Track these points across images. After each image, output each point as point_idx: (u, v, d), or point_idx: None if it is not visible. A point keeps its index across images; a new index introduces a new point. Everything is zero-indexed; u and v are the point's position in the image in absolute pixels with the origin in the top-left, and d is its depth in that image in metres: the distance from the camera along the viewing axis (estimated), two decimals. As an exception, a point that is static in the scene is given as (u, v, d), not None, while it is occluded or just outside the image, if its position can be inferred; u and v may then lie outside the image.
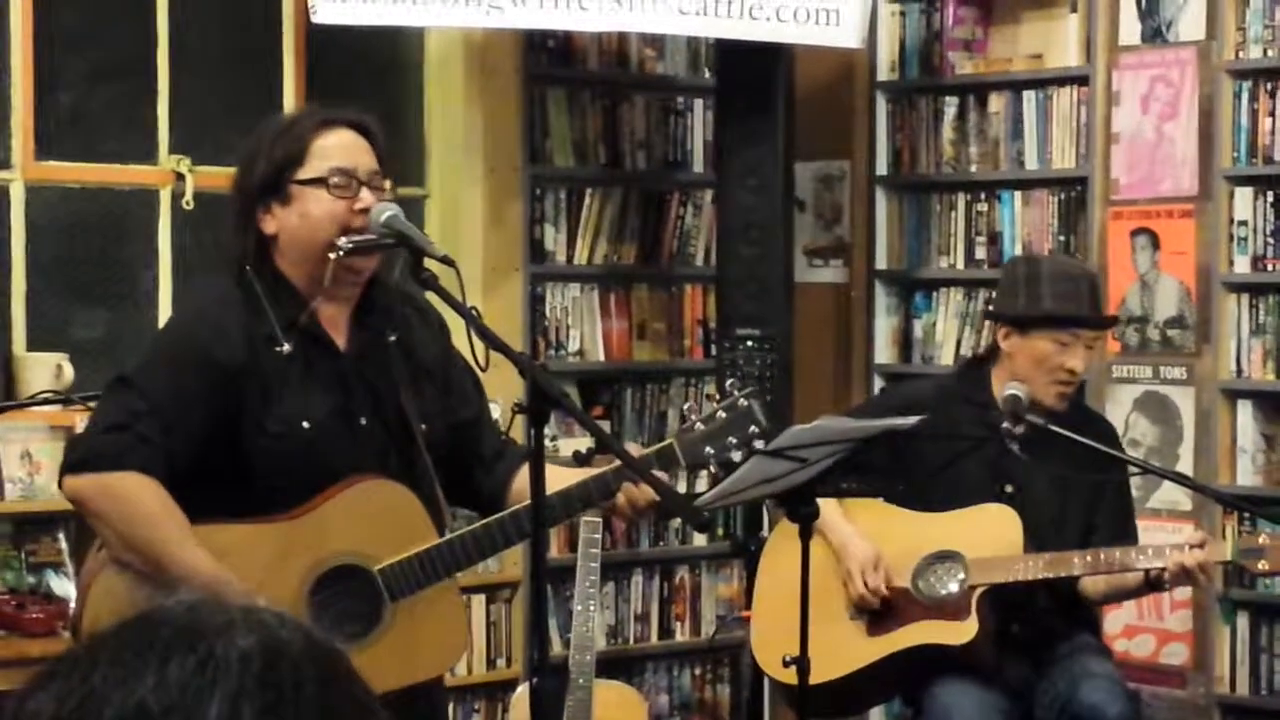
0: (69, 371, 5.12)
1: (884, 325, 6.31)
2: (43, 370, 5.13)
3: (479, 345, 3.02)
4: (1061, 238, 5.85)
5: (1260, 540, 4.25)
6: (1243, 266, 5.47)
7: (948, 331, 6.16)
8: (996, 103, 6.05)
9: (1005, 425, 4.36)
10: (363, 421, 3.20)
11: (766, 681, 4.94)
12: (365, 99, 4.63)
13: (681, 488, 6.08)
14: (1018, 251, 5.90)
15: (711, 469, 3.39)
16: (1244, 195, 5.46)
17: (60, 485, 3.20)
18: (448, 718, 3.77)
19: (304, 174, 3.15)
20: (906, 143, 6.26)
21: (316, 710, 1.08)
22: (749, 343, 5.75)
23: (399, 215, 3.12)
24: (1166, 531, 5.38)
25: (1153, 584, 4.27)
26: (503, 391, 4.51)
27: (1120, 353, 5.67)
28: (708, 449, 3.28)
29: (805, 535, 3.81)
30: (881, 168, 6.32)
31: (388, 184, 3.22)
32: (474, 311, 3.05)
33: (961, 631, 4.30)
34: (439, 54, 6.00)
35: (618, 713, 5.09)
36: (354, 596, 3.17)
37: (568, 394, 4.69)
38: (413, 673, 3.19)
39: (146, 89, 5.50)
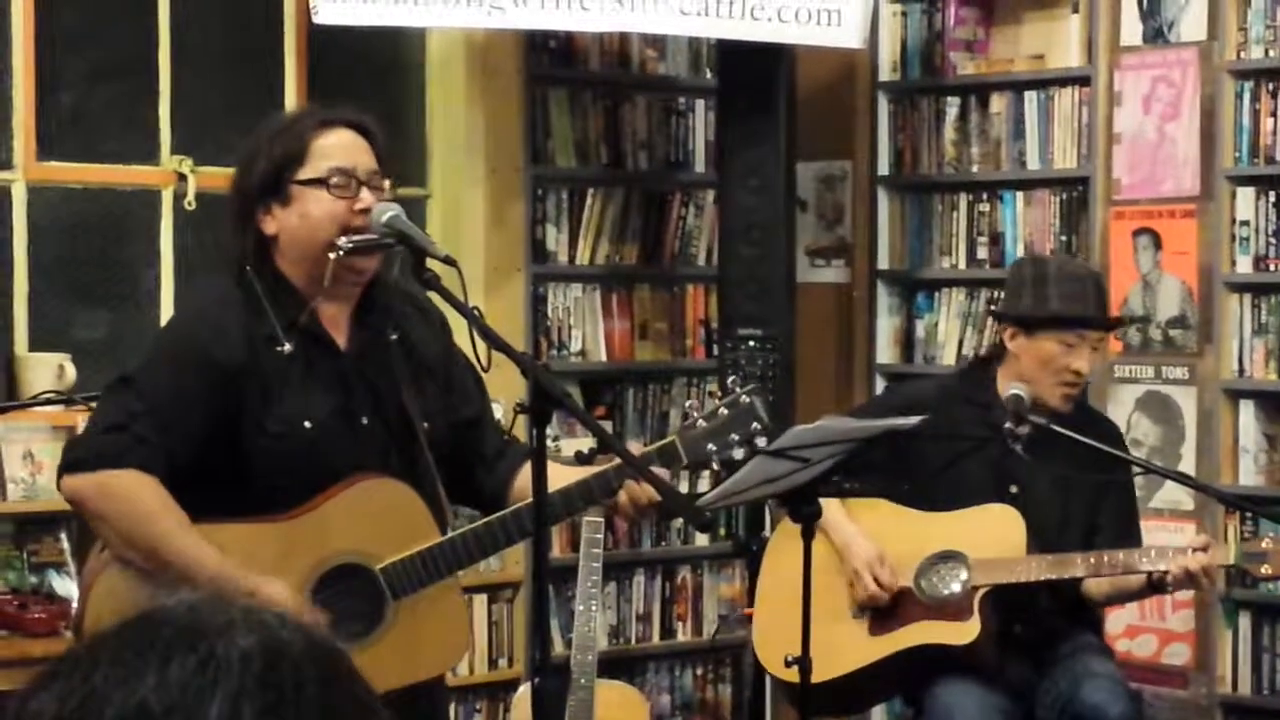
0: (71, 372, 5.12)
1: (886, 325, 6.31)
2: (45, 370, 5.13)
3: (481, 345, 3.02)
4: (1063, 238, 5.85)
5: (1263, 545, 4.25)
6: (1244, 266, 5.47)
7: (950, 332, 6.16)
8: (998, 103, 6.04)
9: (1008, 425, 4.36)
10: (364, 421, 3.20)
11: (768, 680, 4.94)
12: (366, 99, 4.62)
13: (684, 488, 6.08)
14: (1019, 252, 5.90)
15: (714, 466, 3.39)
16: (1246, 195, 5.46)
17: (59, 486, 3.21)
18: (449, 717, 3.77)
19: (304, 174, 3.15)
20: (908, 143, 6.26)
21: (317, 710, 1.08)
22: (751, 343, 5.75)
23: (400, 215, 3.12)
24: (1168, 531, 5.38)
25: (1155, 586, 4.27)
26: (505, 392, 4.50)
27: (1122, 353, 5.67)
28: (710, 446, 3.28)
29: (807, 535, 3.81)
30: (883, 168, 6.32)
31: (387, 184, 3.22)
32: (476, 312, 3.04)
33: (964, 632, 4.30)
34: (440, 54, 6.00)
35: (619, 713, 5.09)
36: (356, 595, 3.18)
37: (570, 394, 4.70)
38: (415, 672, 3.19)
39: (148, 89, 5.51)
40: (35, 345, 5.27)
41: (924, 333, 6.24)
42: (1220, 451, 5.47)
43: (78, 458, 3.15)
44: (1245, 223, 5.45)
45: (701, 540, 6.25)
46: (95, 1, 5.48)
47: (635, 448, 3.37)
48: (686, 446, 3.27)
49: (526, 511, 3.11)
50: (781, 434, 3.58)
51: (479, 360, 3.13)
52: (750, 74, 5.78)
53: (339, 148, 3.17)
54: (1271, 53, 5.41)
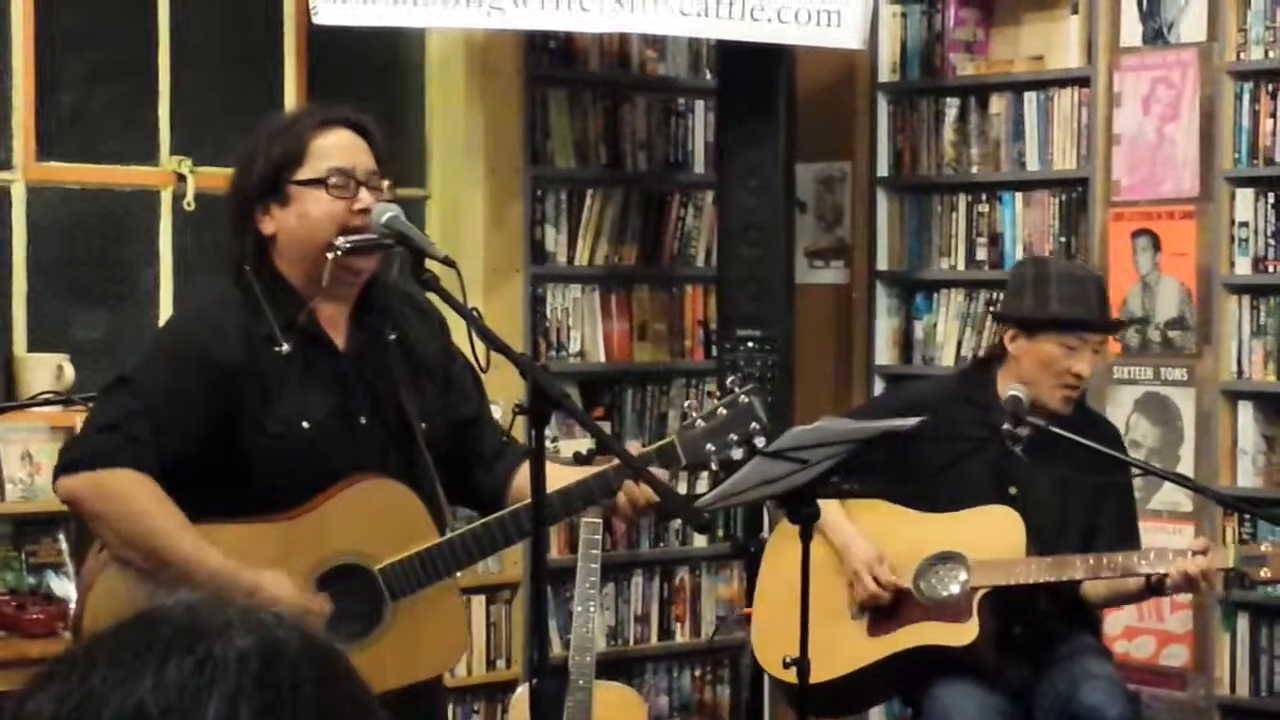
0: (70, 372, 5.12)
1: (885, 326, 6.31)
2: (43, 371, 5.13)
3: (480, 346, 3.02)
4: (1062, 239, 5.85)
5: (1263, 548, 4.25)
6: (1243, 268, 5.47)
7: (948, 333, 6.16)
8: (997, 104, 6.05)
9: (1006, 427, 4.36)
10: (362, 421, 3.20)
11: (767, 681, 4.94)
12: (366, 100, 4.61)
13: (682, 488, 6.08)
14: (1018, 253, 5.90)
15: (713, 467, 3.39)
16: (1245, 196, 5.46)
17: (55, 487, 3.20)
18: (447, 718, 3.77)
19: (302, 174, 3.15)
20: (907, 144, 6.26)
21: (314, 710, 1.08)
22: (750, 344, 5.75)
23: (399, 216, 3.12)
24: (1167, 533, 5.38)
25: (1154, 588, 4.26)
26: (504, 392, 4.50)
27: (1121, 354, 5.67)
28: (709, 446, 3.28)
29: (806, 536, 3.81)
30: (882, 169, 6.32)
31: (386, 184, 3.22)
32: (475, 312, 3.04)
33: (963, 633, 4.30)
34: (440, 55, 6.00)
35: (618, 714, 5.09)
36: (355, 596, 3.17)
37: (568, 395, 4.69)
38: (413, 672, 3.19)
39: (147, 90, 5.51)
40: (34, 345, 5.27)
41: (923, 334, 6.24)
42: (1219, 453, 5.47)
43: (73, 458, 3.15)
44: (1244, 224, 5.46)
45: (700, 541, 6.25)
46: (95, 1, 5.48)
47: (634, 448, 3.37)
48: (685, 447, 3.27)
49: (525, 512, 3.10)
50: (780, 435, 3.58)
51: (478, 361, 3.13)
52: (750, 75, 5.78)
53: (338, 148, 3.17)
54: (1271, 54, 5.41)
